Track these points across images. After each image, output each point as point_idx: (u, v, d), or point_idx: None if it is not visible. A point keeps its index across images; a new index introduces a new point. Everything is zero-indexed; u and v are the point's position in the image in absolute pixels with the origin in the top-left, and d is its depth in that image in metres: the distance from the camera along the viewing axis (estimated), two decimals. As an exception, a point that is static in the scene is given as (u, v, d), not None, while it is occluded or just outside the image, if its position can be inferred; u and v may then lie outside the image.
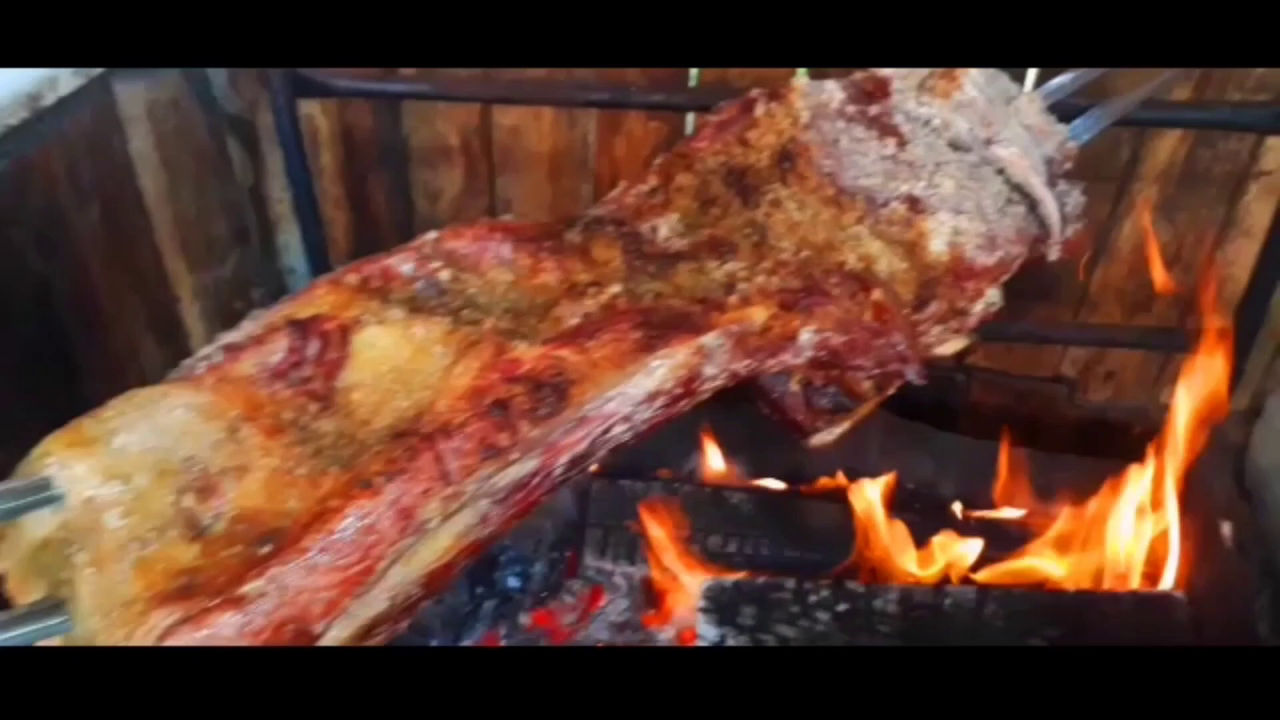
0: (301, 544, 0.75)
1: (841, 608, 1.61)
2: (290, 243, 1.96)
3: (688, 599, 1.68)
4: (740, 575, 1.62)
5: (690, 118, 1.71)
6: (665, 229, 1.04)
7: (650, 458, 1.92)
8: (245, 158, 1.86)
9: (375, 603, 0.81)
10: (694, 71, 1.66)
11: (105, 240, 1.57)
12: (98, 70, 1.50)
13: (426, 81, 1.59)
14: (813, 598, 1.62)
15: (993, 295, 1.14)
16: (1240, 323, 1.59)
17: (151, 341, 1.73)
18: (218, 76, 1.72)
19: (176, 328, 1.80)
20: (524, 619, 1.74)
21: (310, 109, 1.79)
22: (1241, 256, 1.67)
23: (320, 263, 1.76)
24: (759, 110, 1.15)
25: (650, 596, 1.75)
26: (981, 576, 1.68)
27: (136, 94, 1.58)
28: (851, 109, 1.15)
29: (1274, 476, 1.78)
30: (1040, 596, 1.64)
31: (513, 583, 1.82)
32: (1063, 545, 1.71)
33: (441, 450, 0.77)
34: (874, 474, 1.78)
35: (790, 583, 1.64)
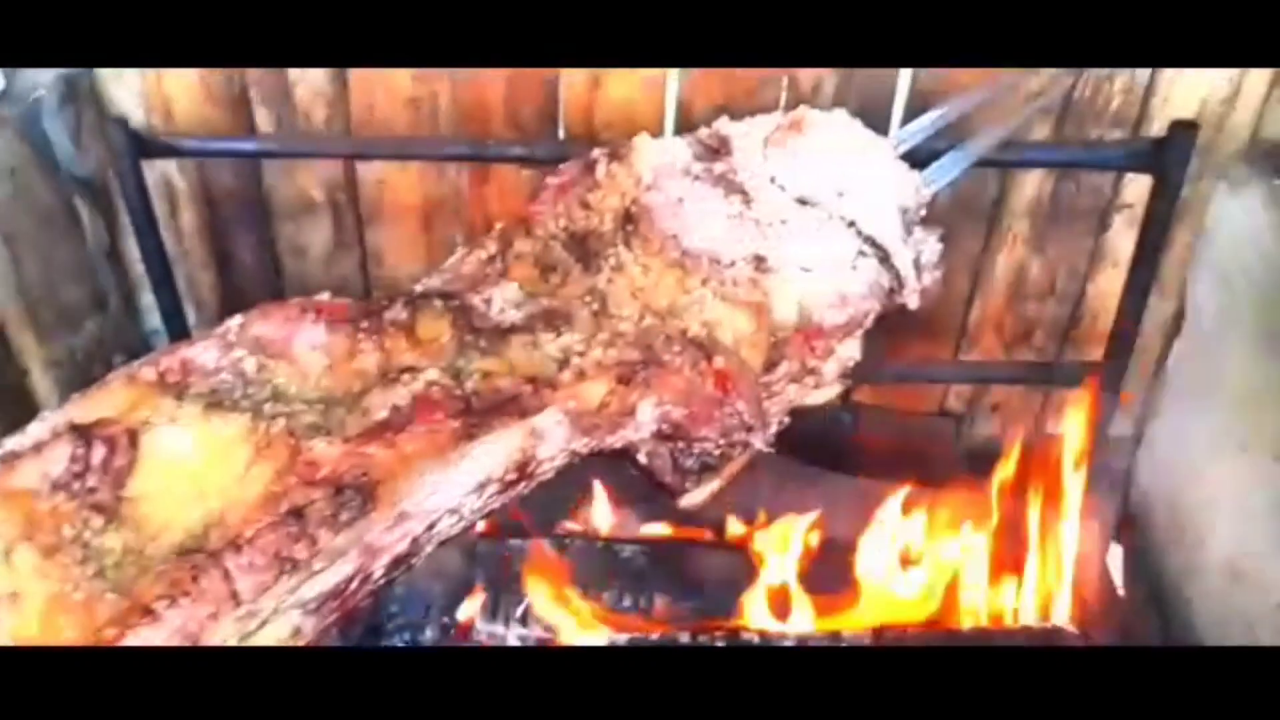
0: (73, 681, 0.68)
1: (737, 659, 1.58)
2: (155, 305, 1.87)
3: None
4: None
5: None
6: (500, 300, 0.99)
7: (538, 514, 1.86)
8: (98, 220, 1.76)
9: (172, 732, 0.74)
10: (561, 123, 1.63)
11: (-64, 317, 1.47)
12: (-78, 139, 1.41)
13: (277, 140, 1.53)
14: (708, 651, 1.59)
15: (846, 350, 1.12)
16: (1114, 352, 1.61)
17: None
18: (60, 140, 1.63)
19: (27, 402, 1.70)
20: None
21: (166, 168, 1.72)
22: (1113, 287, 1.69)
23: (178, 326, 1.68)
24: (600, 171, 1.12)
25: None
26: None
27: (-35, 163, 1.49)
28: (696, 167, 1.13)
29: (1158, 502, 1.80)
30: (934, 636, 1.63)
31: (402, 650, 1.74)
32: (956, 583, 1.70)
33: (230, 568, 0.72)
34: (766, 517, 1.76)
35: (685, 637, 1.61)
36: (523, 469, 0.89)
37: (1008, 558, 1.68)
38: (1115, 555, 1.83)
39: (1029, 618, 1.66)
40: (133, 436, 0.80)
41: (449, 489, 0.83)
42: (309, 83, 1.63)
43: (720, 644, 1.57)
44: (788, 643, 1.61)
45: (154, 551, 0.76)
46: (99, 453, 0.79)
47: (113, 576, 0.75)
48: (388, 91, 1.63)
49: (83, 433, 0.79)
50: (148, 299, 1.90)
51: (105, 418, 0.81)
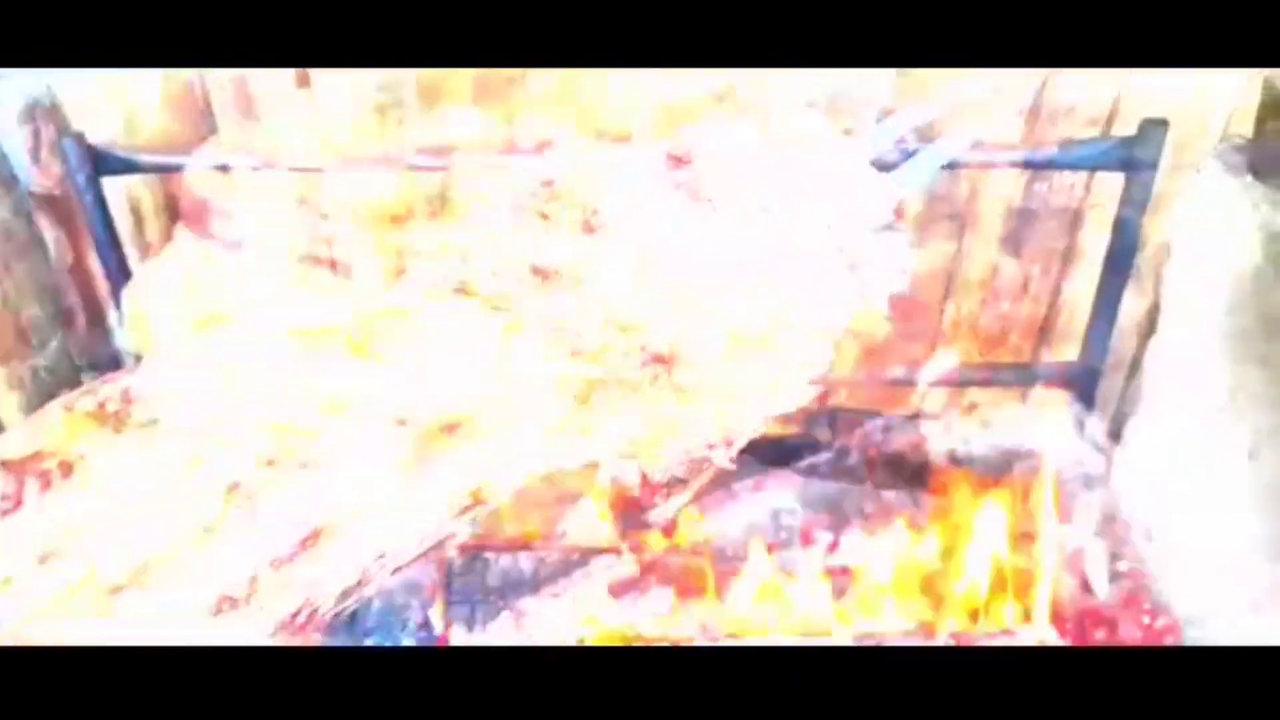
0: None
1: (716, 669, 1.57)
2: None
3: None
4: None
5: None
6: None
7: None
8: (61, 236, 1.74)
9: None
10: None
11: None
12: None
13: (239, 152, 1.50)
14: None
15: (817, 357, 1.10)
16: (1089, 351, 1.60)
17: (-41, 442, 1.60)
18: (16, 155, 1.60)
19: (-10, 423, 1.67)
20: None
21: (130, 182, 1.69)
22: (1087, 286, 1.67)
23: (145, 344, 1.65)
24: (561, 182, 1.09)
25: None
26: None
27: (-84, 183, 1.46)
28: (660, 176, 1.10)
29: (1136, 500, 1.79)
30: (916, 639, 1.62)
31: (378, 665, 1.72)
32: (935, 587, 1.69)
33: (168, 606, 0.69)
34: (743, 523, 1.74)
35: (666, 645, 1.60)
36: (477, 493, 0.87)
37: (988, 559, 1.67)
38: (1095, 555, 1.82)
39: (1009, 619, 1.65)
40: (68, 470, 0.77)
41: (398, 517, 0.80)
42: (273, 92, 1.60)
43: (704, 645, 1.56)
44: (773, 644, 1.60)
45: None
46: (33, 489, 0.76)
47: (48, 617, 0.73)
48: (353, 99, 1.61)
49: (14, 468, 0.77)
50: (115, 316, 1.87)
51: (41, 450, 0.78)
